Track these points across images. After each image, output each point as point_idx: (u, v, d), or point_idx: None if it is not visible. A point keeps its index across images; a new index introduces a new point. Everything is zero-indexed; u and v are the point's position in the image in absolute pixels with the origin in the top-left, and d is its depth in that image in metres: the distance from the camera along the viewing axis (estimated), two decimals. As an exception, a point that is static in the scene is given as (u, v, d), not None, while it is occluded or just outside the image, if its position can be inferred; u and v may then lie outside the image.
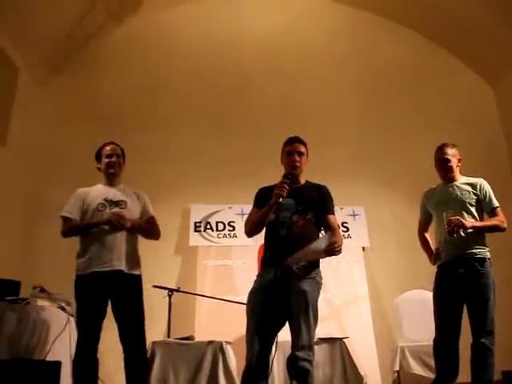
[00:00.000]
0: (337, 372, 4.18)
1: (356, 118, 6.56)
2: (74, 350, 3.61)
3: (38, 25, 5.55)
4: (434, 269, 3.52)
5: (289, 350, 2.72)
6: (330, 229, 2.91)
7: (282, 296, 2.74)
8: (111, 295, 3.21)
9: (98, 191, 3.45)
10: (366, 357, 4.95)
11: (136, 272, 3.35)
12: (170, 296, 4.51)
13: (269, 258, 2.90)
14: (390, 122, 6.55)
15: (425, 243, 3.70)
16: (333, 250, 2.66)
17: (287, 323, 2.79)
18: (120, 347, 3.17)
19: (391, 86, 6.75)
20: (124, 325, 3.20)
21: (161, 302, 4.47)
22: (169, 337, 4.40)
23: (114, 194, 3.43)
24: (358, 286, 5.59)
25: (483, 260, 3.32)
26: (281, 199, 2.82)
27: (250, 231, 3.02)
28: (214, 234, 5.78)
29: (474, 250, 3.33)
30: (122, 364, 3.17)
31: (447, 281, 3.35)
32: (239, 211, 5.81)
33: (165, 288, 4.51)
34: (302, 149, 3.09)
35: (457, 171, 3.59)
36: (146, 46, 6.65)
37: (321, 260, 2.85)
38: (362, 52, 6.92)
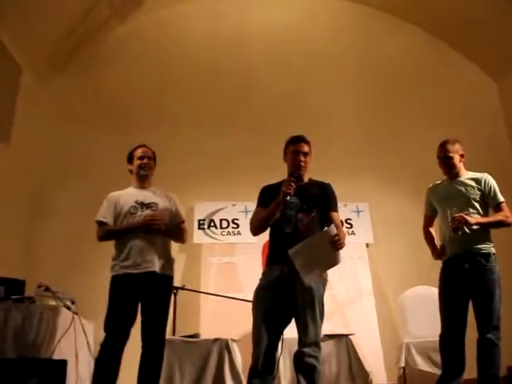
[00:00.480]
0: (343, 368, 4.18)
1: (359, 114, 6.53)
2: (79, 348, 3.65)
3: (40, 23, 5.52)
4: (438, 265, 3.51)
5: (295, 347, 2.73)
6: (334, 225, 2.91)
7: (289, 293, 2.74)
8: (142, 297, 3.22)
9: (130, 194, 3.47)
10: (372, 353, 4.94)
11: (169, 273, 3.37)
12: (175, 294, 4.50)
13: (274, 256, 2.91)
14: (393, 117, 6.52)
15: (429, 237, 3.68)
16: (337, 241, 2.66)
17: (293, 320, 2.79)
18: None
19: (394, 81, 6.73)
20: (148, 322, 3.21)
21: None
22: (174, 335, 4.40)
23: (144, 196, 3.44)
24: (362, 282, 5.58)
25: (488, 255, 3.31)
26: (288, 197, 2.82)
27: (256, 230, 3.03)
28: (218, 231, 5.78)
29: (478, 246, 3.32)
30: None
31: (453, 276, 3.34)
32: (243, 208, 5.81)
33: (170, 286, 4.51)
34: (307, 148, 3.10)
35: (460, 167, 3.56)
36: (150, 43, 6.62)
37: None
38: (364, 48, 6.90)
